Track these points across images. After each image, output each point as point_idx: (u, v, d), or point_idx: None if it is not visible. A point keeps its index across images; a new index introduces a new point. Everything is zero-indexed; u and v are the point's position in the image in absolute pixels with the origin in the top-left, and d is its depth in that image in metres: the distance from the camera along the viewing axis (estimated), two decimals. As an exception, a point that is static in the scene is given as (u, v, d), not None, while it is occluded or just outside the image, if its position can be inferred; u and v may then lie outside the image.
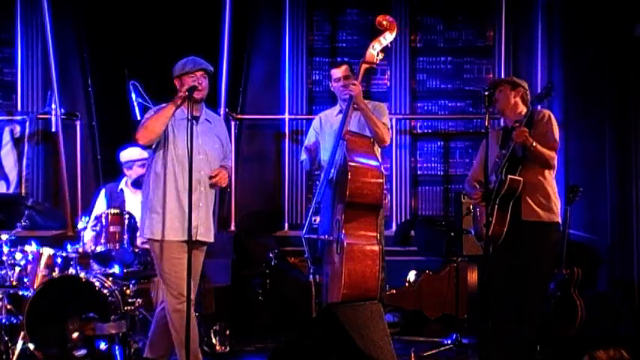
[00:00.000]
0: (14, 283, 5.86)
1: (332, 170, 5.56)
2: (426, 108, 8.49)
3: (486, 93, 5.07)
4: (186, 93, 4.95)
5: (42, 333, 5.62)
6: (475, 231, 5.46)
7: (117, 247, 5.93)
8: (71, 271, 5.84)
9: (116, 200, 6.49)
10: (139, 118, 6.37)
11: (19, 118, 8.03)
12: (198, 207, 5.09)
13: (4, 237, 5.90)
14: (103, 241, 5.92)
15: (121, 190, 6.57)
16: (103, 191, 6.66)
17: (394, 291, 7.38)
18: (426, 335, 7.03)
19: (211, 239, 5.28)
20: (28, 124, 8.01)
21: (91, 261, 6.18)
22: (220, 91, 7.90)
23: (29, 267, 5.95)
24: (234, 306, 7.18)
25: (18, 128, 8.02)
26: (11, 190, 7.94)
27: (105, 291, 5.69)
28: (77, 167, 8.07)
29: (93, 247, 5.96)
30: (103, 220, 5.93)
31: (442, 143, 8.47)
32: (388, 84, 8.43)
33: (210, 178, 5.16)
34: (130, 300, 5.89)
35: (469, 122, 8.49)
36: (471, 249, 6.61)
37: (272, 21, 8.34)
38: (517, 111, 5.20)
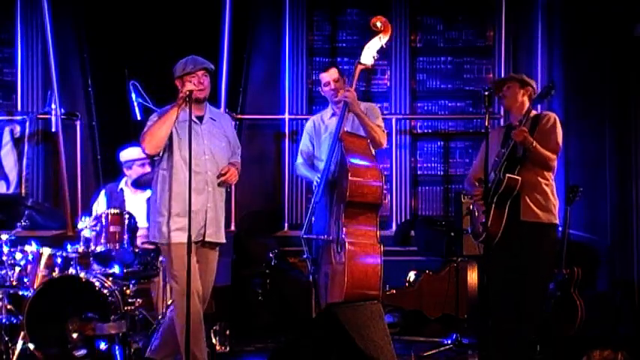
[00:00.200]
0: (14, 283, 5.86)
1: (329, 171, 5.57)
2: (426, 108, 8.49)
3: (486, 93, 5.07)
4: (187, 94, 4.92)
5: (42, 333, 5.62)
6: (472, 229, 5.46)
7: (117, 247, 5.93)
8: (71, 271, 5.84)
9: (116, 200, 6.49)
10: (139, 118, 6.37)
11: (19, 118, 8.03)
12: (206, 208, 5.08)
13: (4, 237, 5.90)
14: (103, 241, 5.92)
15: (121, 189, 6.57)
16: (102, 191, 6.67)
17: (394, 291, 7.38)
18: (426, 335, 7.03)
19: (222, 240, 5.25)
20: (28, 124, 8.01)
21: (91, 261, 6.18)
22: (220, 91, 7.90)
23: (29, 267, 5.95)
24: (234, 306, 7.18)
25: (18, 128, 8.02)
26: (11, 190, 7.94)
27: (105, 291, 5.69)
28: (77, 167, 8.06)
29: (93, 247, 5.95)
30: (103, 220, 5.93)
31: (442, 143, 8.47)
32: (388, 84, 8.43)
33: (219, 176, 5.12)
34: (130, 300, 5.89)
35: (469, 122, 8.49)
36: (471, 249, 6.60)
37: (272, 21, 8.34)
38: (523, 110, 5.19)
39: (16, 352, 5.65)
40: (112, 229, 5.92)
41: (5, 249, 5.87)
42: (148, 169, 6.33)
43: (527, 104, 5.20)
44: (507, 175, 5.07)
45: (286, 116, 8.30)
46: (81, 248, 5.94)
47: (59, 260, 5.95)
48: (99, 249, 5.93)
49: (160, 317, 5.99)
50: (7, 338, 5.70)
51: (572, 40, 7.79)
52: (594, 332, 6.52)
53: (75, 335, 5.61)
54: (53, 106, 7.91)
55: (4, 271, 5.86)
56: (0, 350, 5.67)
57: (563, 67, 7.91)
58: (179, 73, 5.13)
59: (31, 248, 5.98)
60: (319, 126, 5.91)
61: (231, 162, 5.26)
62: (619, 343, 5.66)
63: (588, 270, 6.92)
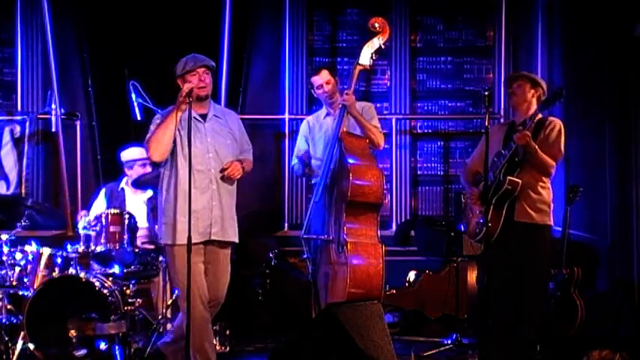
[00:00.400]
0: (14, 283, 5.86)
1: (329, 171, 5.57)
2: (426, 108, 8.49)
3: (486, 93, 5.06)
4: (187, 92, 4.88)
5: (42, 333, 5.61)
6: (466, 228, 5.47)
7: (117, 247, 5.93)
8: (71, 271, 5.84)
9: (116, 200, 6.50)
10: (139, 118, 6.37)
11: (19, 118, 8.02)
12: (211, 206, 5.04)
13: (4, 237, 5.90)
14: (103, 241, 5.92)
15: (122, 189, 6.57)
16: (102, 191, 6.67)
17: (394, 291, 7.38)
18: (426, 335, 7.03)
19: (229, 238, 5.17)
20: (28, 124, 8.01)
21: (91, 261, 6.18)
22: (220, 91, 7.90)
23: (29, 267, 5.95)
24: (234, 306, 7.16)
25: (18, 128, 8.02)
26: (11, 190, 7.94)
27: (105, 291, 5.69)
28: (77, 167, 8.06)
29: (93, 247, 5.94)
30: (103, 220, 5.93)
31: (442, 143, 8.46)
32: (388, 84, 8.43)
33: (221, 171, 5.07)
34: (130, 300, 5.89)
35: (469, 122, 8.49)
36: (471, 249, 6.61)
37: (272, 21, 8.34)
38: (530, 110, 5.18)
39: (16, 352, 5.65)
40: (112, 229, 5.92)
41: (5, 249, 5.87)
42: (149, 169, 6.33)
43: (534, 105, 5.18)
44: (508, 177, 5.08)
45: (286, 116, 8.30)
46: (81, 248, 5.94)
47: (59, 260, 5.94)
48: (99, 249, 5.93)
49: (160, 317, 5.99)
50: (7, 338, 5.70)
51: (572, 40, 7.79)
52: (594, 332, 6.52)
53: (75, 335, 5.61)
54: (53, 106, 7.91)
55: (4, 271, 5.85)
56: (0, 350, 5.67)
57: (563, 67, 7.91)
58: (180, 71, 5.09)
59: (31, 248, 5.97)
60: (314, 126, 5.93)
61: (240, 159, 5.19)
62: (619, 343, 5.65)
63: (588, 270, 6.91)
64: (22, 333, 5.65)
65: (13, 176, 7.99)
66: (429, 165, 8.45)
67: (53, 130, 7.95)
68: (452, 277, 6.99)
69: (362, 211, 5.40)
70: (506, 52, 8.24)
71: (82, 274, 5.77)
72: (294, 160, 5.98)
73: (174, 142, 5.02)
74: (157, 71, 7.34)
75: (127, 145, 6.57)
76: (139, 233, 6.16)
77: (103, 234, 5.91)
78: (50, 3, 7.90)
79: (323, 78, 5.81)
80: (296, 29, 8.33)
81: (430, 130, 8.49)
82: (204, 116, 5.13)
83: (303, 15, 8.36)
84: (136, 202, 6.48)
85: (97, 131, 8.06)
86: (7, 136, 8.00)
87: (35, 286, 5.82)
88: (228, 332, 6.26)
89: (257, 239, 7.93)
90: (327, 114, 5.87)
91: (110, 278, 5.89)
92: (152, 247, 6.21)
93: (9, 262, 5.87)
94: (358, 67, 5.66)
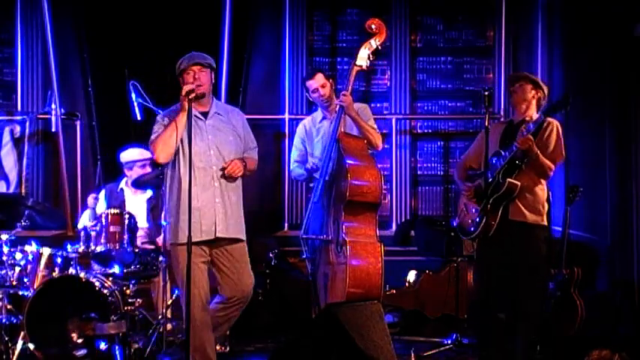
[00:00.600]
0: (14, 283, 5.86)
1: (327, 172, 5.57)
2: (426, 108, 8.49)
3: (486, 93, 5.07)
4: (186, 93, 4.87)
5: (42, 333, 5.61)
6: (459, 225, 5.47)
7: (117, 247, 5.93)
8: (71, 271, 5.84)
9: (116, 200, 6.50)
10: (139, 118, 6.37)
11: (19, 118, 8.03)
12: (215, 203, 5.01)
13: (4, 237, 5.89)
14: (103, 241, 5.91)
15: (121, 189, 6.58)
16: (102, 192, 6.67)
17: (394, 291, 7.38)
18: (426, 335, 7.02)
19: (236, 235, 5.09)
20: (28, 124, 8.01)
21: (91, 261, 6.18)
22: (220, 91, 7.90)
23: (29, 267, 5.94)
24: (234, 306, 7.16)
25: (18, 128, 8.02)
26: (11, 190, 7.94)
27: (105, 291, 5.69)
28: (77, 167, 8.07)
29: (93, 247, 5.94)
30: (103, 220, 5.93)
31: (442, 143, 8.47)
32: (388, 84, 8.43)
33: (222, 169, 5.04)
34: (130, 300, 5.88)
35: (469, 122, 8.49)
36: (471, 249, 6.61)
37: (272, 21, 8.34)
38: (529, 112, 5.19)
39: (16, 352, 5.64)
40: (112, 229, 5.91)
41: (5, 249, 5.86)
42: (148, 169, 6.34)
43: (533, 107, 5.19)
44: (508, 179, 5.10)
45: (286, 116, 8.30)
46: (81, 248, 5.94)
47: (59, 260, 5.94)
48: (99, 249, 5.93)
49: (160, 317, 5.99)
50: (7, 338, 5.70)
51: (572, 40, 7.79)
52: (594, 332, 6.52)
53: (75, 335, 5.61)
54: (53, 106, 7.92)
55: (4, 271, 5.85)
56: (0, 350, 5.67)
57: (563, 67, 7.91)
58: (177, 71, 5.10)
59: (31, 248, 5.97)
60: (310, 130, 5.92)
61: (243, 157, 5.16)
62: (619, 343, 5.66)
63: (588, 270, 6.91)
64: (22, 333, 5.64)
65: (13, 176, 8.00)
66: (429, 165, 8.46)
67: (53, 130, 7.96)
68: (452, 277, 7.00)
69: (360, 211, 5.40)
70: (506, 52, 8.25)
71: (82, 274, 5.77)
72: (293, 165, 5.97)
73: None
74: (157, 71, 7.35)
75: (126, 146, 6.57)
76: (139, 233, 6.17)
77: (103, 234, 5.91)
78: (50, 3, 7.91)
79: (318, 81, 5.79)
80: (296, 29, 8.34)
81: (430, 130, 8.50)
82: (205, 114, 5.12)
83: (303, 15, 8.37)
84: (136, 202, 6.48)
85: (97, 131, 8.06)
86: (7, 136, 8.00)
87: (35, 286, 5.82)
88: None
89: (257, 239, 7.93)
90: (324, 117, 5.86)
91: (110, 278, 5.89)
92: (152, 247, 6.22)
93: (9, 262, 5.87)
94: (355, 68, 5.66)
